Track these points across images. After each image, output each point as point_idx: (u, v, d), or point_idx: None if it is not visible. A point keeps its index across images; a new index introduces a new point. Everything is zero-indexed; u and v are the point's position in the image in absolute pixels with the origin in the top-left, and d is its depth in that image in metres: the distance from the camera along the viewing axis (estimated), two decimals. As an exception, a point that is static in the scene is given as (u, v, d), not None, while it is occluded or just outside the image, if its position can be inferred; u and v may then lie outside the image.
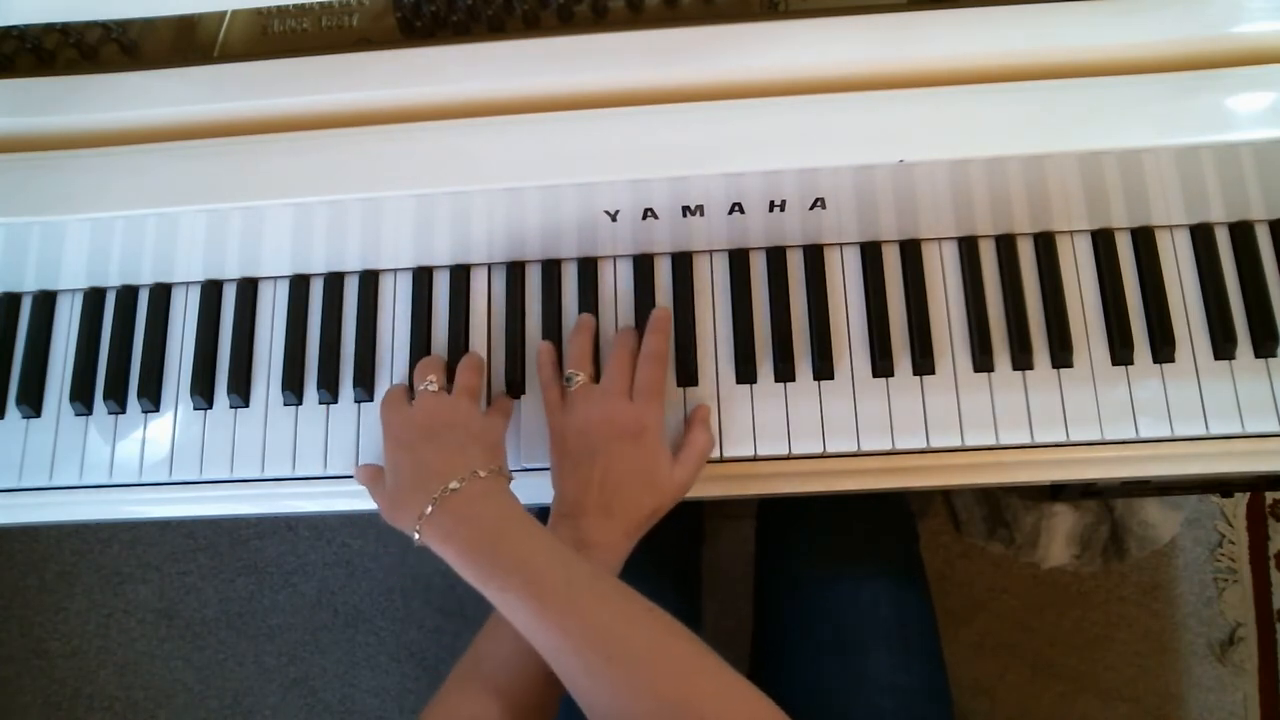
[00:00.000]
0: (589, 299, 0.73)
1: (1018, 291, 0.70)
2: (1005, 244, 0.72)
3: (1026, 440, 0.68)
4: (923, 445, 0.69)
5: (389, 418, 0.68)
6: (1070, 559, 1.32)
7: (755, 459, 0.70)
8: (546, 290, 0.74)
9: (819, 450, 0.69)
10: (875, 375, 0.70)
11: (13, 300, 0.78)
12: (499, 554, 0.58)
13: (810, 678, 0.77)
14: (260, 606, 1.46)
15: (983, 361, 0.69)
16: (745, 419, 0.70)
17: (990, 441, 0.68)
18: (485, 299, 0.75)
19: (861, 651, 0.77)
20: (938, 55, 0.65)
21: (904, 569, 0.82)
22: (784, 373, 0.70)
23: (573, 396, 0.67)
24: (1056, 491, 1.20)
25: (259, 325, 0.76)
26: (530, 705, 0.60)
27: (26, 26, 0.72)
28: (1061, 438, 0.68)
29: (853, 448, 0.69)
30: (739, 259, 0.73)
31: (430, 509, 0.60)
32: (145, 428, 0.75)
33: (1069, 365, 0.69)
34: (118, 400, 0.75)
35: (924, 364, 0.69)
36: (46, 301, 0.78)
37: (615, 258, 0.74)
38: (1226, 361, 0.69)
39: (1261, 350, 0.68)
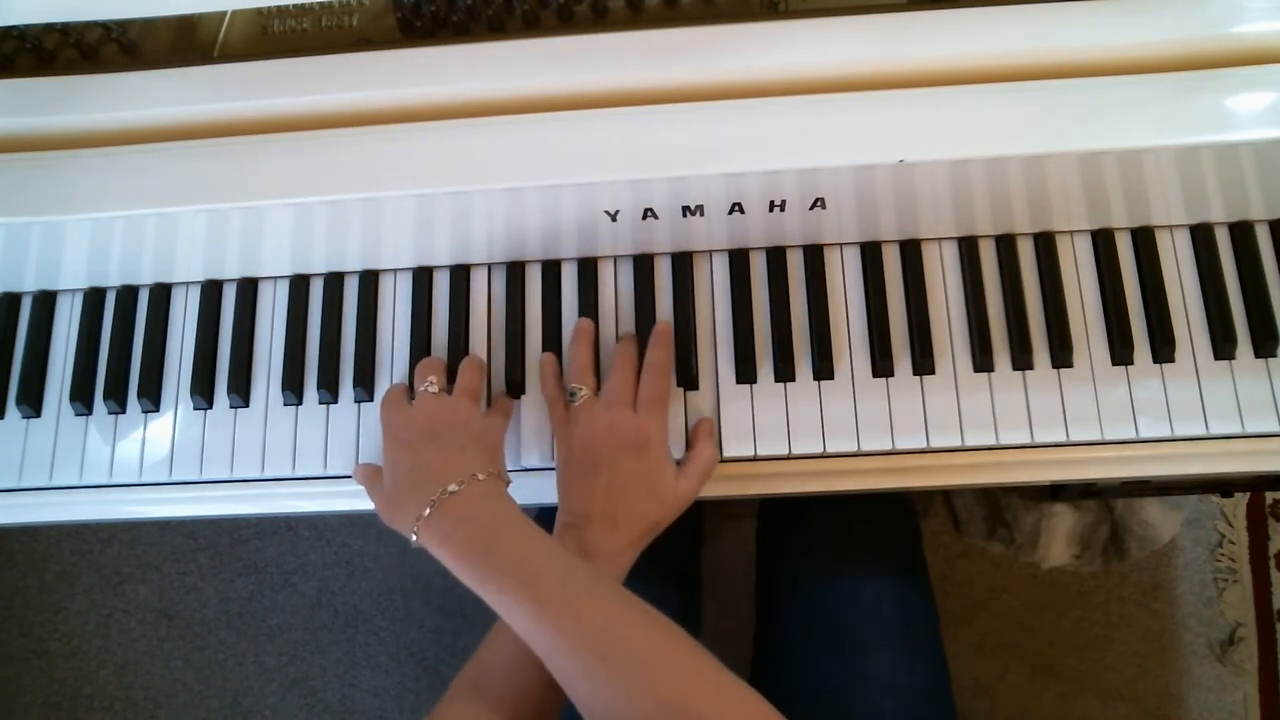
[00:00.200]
0: (589, 299, 0.73)
1: (1018, 291, 0.70)
2: (1005, 244, 0.72)
3: (1026, 440, 0.68)
4: (923, 445, 0.69)
5: (389, 417, 0.68)
6: (1070, 559, 1.32)
7: (755, 459, 0.70)
8: (546, 290, 0.74)
9: (819, 450, 0.69)
10: (875, 375, 0.70)
11: (13, 300, 0.78)
12: (496, 556, 0.58)
13: (811, 678, 0.77)
14: (260, 606, 1.46)
15: (983, 361, 0.69)
16: (745, 419, 0.70)
17: (990, 441, 0.68)
18: (485, 299, 0.75)
19: (862, 651, 0.77)
20: (938, 55, 0.65)
21: (906, 568, 0.82)
22: (784, 373, 0.70)
23: (577, 410, 0.68)
24: (1056, 491, 1.20)
25: (259, 325, 0.76)
26: (531, 714, 0.60)
27: (26, 26, 0.72)
28: (1061, 438, 0.68)
29: (853, 448, 0.69)
30: (739, 259, 0.73)
31: (428, 511, 0.60)
32: (145, 428, 0.75)
33: (1069, 365, 0.69)
34: (118, 400, 0.75)
35: (924, 364, 0.69)
36: (46, 301, 0.78)
37: (615, 258, 0.74)
38: (1226, 361, 0.69)
39: (1261, 350, 0.68)
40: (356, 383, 0.74)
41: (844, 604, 0.79)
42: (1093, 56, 0.64)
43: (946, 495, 1.38)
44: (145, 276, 0.77)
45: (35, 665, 1.48)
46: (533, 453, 0.71)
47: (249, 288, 0.76)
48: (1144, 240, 0.71)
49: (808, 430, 0.70)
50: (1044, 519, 1.31)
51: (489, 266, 0.75)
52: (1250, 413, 0.67)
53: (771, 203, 0.68)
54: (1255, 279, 0.70)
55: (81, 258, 0.74)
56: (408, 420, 0.67)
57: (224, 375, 0.75)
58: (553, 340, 0.73)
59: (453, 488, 0.61)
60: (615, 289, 0.74)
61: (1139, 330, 0.69)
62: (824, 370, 0.70)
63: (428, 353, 0.74)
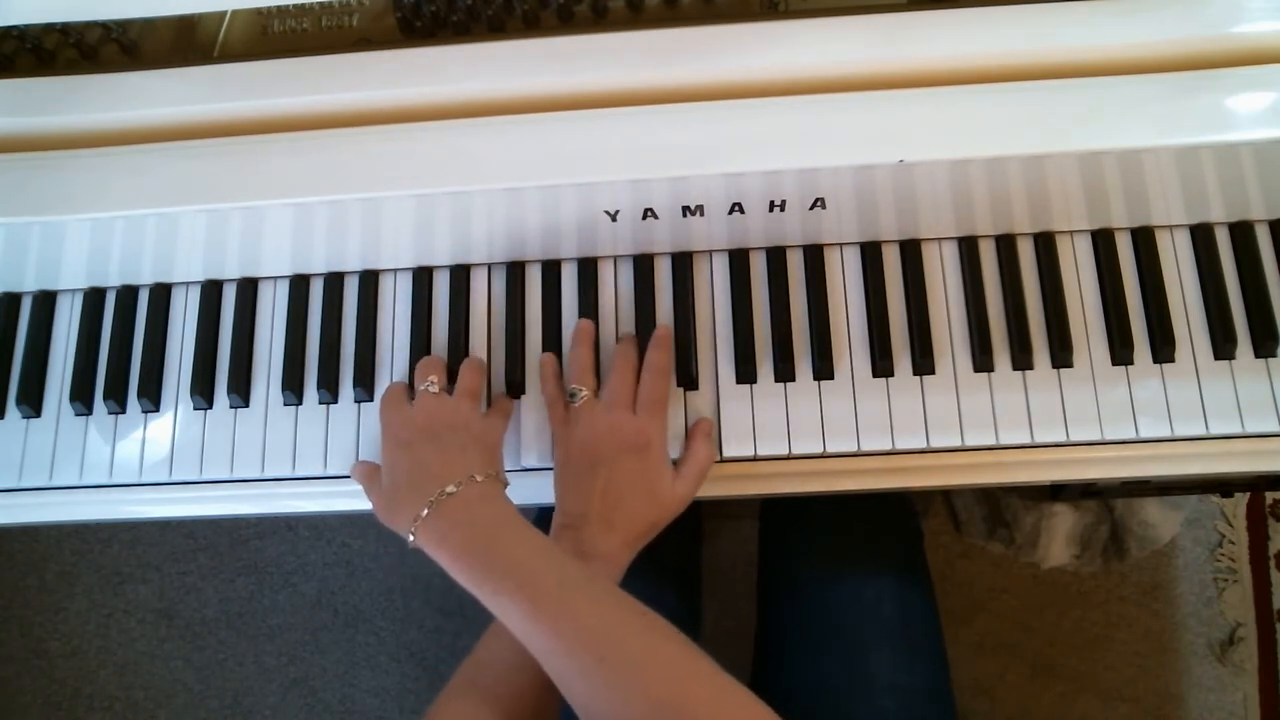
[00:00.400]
0: (589, 299, 0.73)
1: (1018, 291, 0.70)
2: (1005, 244, 0.72)
3: (1026, 440, 0.68)
4: (923, 445, 0.69)
5: (389, 417, 0.68)
6: (1070, 559, 1.32)
7: (755, 459, 0.70)
8: (546, 290, 0.74)
9: (819, 450, 0.69)
10: (875, 375, 0.70)
11: (13, 300, 0.78)
12: (493, 557, 0.58)
13: (812, 678, 0.77)
14: (260, 606, 1.46)
15: (983, 361, 0.69)
16: (745, 419, 0.70)
17: (990, 441, 0.68)
18: (485, 299, 0.75)
19: (863, 651, 0.77)
20: (938, 55, 0.65)
21: (906, 568, 0.82)
22: (784, 373, 0.70)
23: (577, 411, 0.68)
24: (1056, 491, 1.20)
25: (259, 325, 0.76)
26: (528, 714, 0.60)
27: (26, 26, 0.72)
28: (1061, 438, 0.68)
29: (853, 448, 0.69)
30: (739, 259, 0.73)
31: (426, 512, 0.60)
32: (145, 428, 0.75)
33: (1069, 365, 0.69)
34: (118, 400, 0.75)
35: (924, 364, 0.69)
36: (46, 301, 0.78)
37: (615, 258, 0.74)
38: (1226, 361, 0.69)
39: (1261, 350, 0.68)
40: (356, 383, 0.74)
41: (844, 604, 0.79)
42: (1093, 56, 0.64)
43: (946, 495, 1.38)
44: (145, 276, 0.77)
45: (35, 665, 1.48)
46: (532, 453, 0.71)
47: (249, 288, 0.76)
48: (1144, 240, 0.71)
49: (808, 430, 0.70)
50: (1044, 519, 1.31)
51: (489, 266, 0.75)
52: (1250, 413, 0.67)
53: (771, 203, 0.68)
54: (1255, 279, 0.70)
55: (81, 258, 0.74)
56: (407, 420, 0.67)
57: (224, 375, 0.75)
58: (553, 340, 0.73)
59: (451, 489, 0.61)
60: (615, 289, 0.74)
61: (1139, 330, 0.69)
62: (824, 370, 0.70)
63: (428, 353, 0.74)
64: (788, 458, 0.70)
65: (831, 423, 0.70)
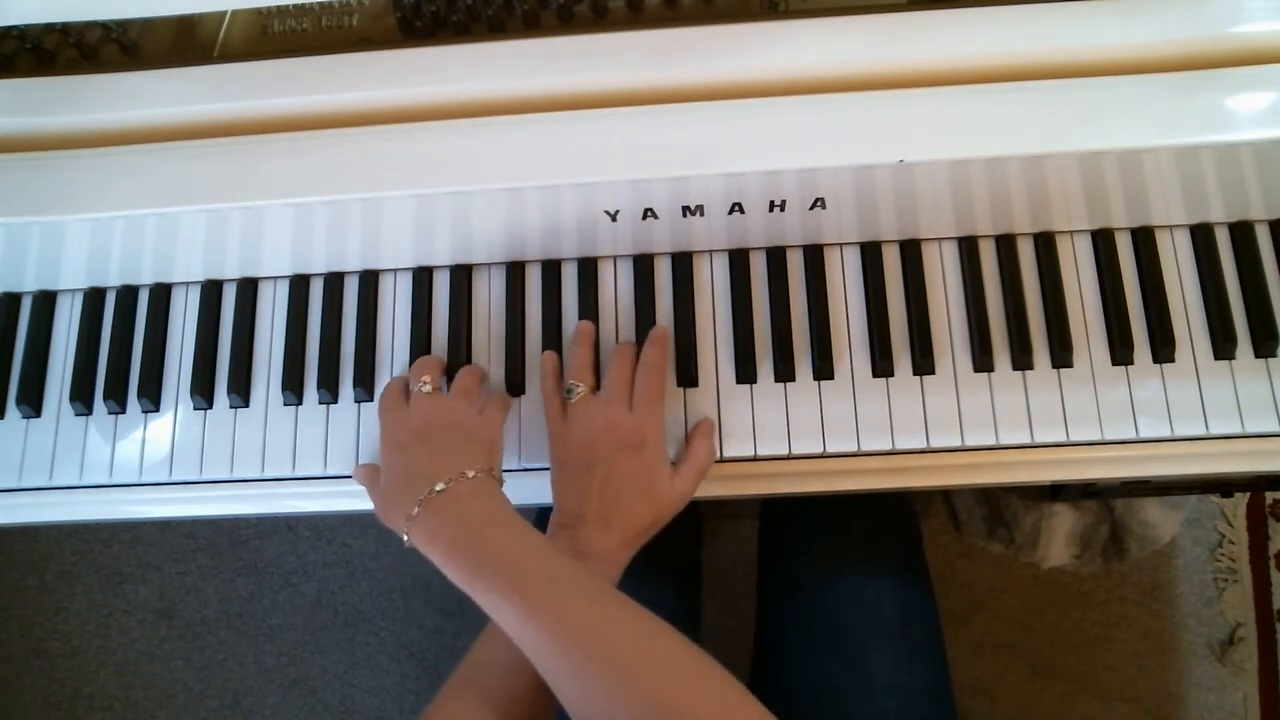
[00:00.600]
0: (589, 299, 0.73)
1: (1018, 291, 0.70)
2: (1005, 244, 0.72)
3: (1026, 440, 0.68)
4: (923, 445, 0.69)
5: (385, 418, 0.68)
6: (1070, 559, 1.32)
7: (755, 459, 0.70)
8: (546, 290, 0.74)
9: (819, 450, 0.69)
10: (875, 375, 0.70)
11: (13, 300, 0.78)
12: (483, 554, 0.58)
13: (812, 678, 0.77)
14: (260, 606, 1.46)
15: (983, 361, 0.69)
16: (745, 419, 0.70)
17: (990, 441, 0.68)
18: (485, 299, 0.75)
19: (863, 651, 0.77)
20: (938, 55, 0.65)
21: (906, 568, 0.82)
22: (784, 373, 0.70)
23: (573, 407, 0.67)
24: (1056, 491, 1.20)
25: (259, 325, 0.76)
26: (525, 715, 0.60)
27: (26, 26, 0.72)
28: (1061, 438, 0.68)
29: (853, 448, 0.69)
30: (739, 259, 0.73)
31: (417, 510, 0.60)
32: (145, 428, 0.75)
33: (1069, 365, 0.69)
34: (118, 400, 0.75)
35: (924, 364, 0.69)
36: (46, 301, 0.78)
37: (615, 258, 0.74)
38: (1226, 361, 0.69)
39: (1261, 350, 0.68)
40: (356, 383, 0.74)
41: (844, 604, 0.79)
42: (1093, 56, 0.64)
43: (946, 495, 1.38)
44: (145, 276, 0.77)
45: (35, 665, 1.48)
46: (531, 453, 0.71)
47: (249, 288, 0.76)
48: (1144, 240, 0.71)
49: (808, 430, 0.70)
50: (1044, 519, 1.31)
51: (489, 266, 0.75)
52: (1250, 413, 0.67)
53: (771, 203, 0.68)
54: (1255, 279, 0.70)
55: (81, 258, 0.74)
56: (401, 421, 0.67)
57: (224, 375, 0.75)
58: (553, 340, 0.73)
59: (440, 486, 0.61)
60: (615, 289, 0.74)
61: (1139, 330, 0.69)
62: (824, 370, 0.70)
63: (428, 353, 0.74)
64: (788, 458, 0.70)
65: (831, 423, 0.70)
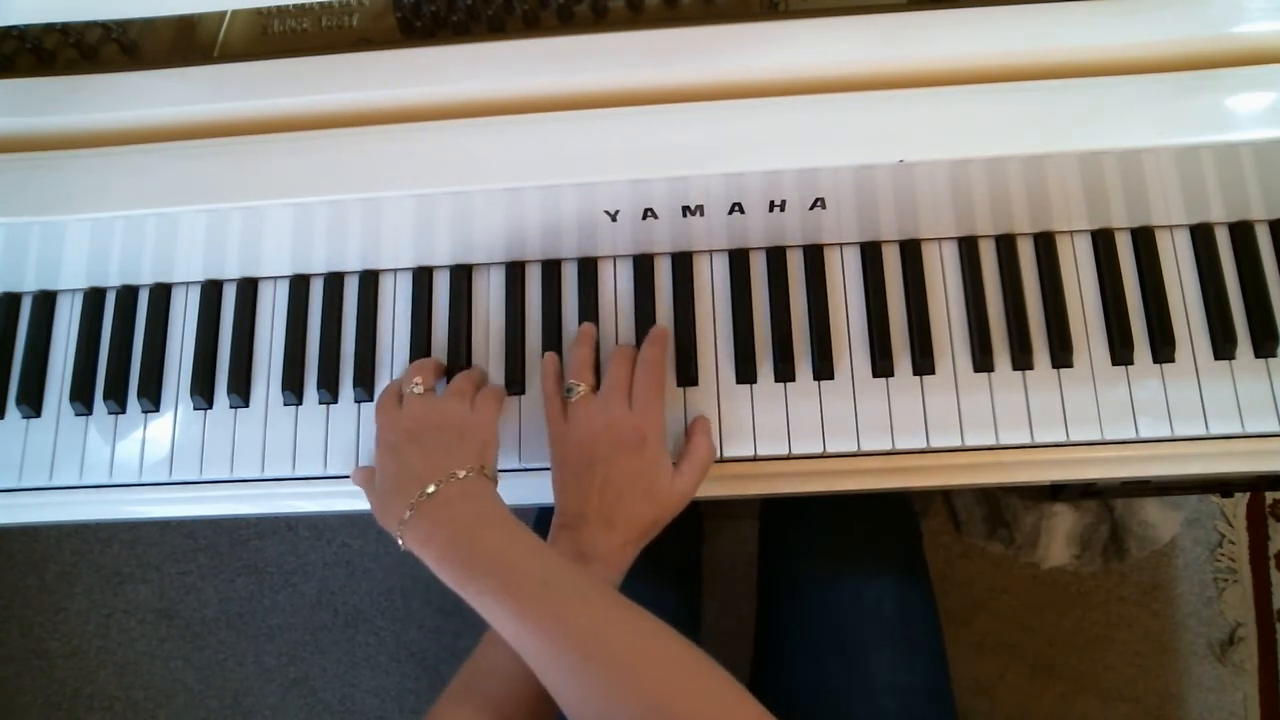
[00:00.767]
0: (589, 299, 0.73)
1: (1018, 291, 0.70)
2: (1005, 244, 0.72)
3: (1026, 440, 0.68)
4: (923, 445, 0.69)
5: (379, 421, 0.68)
6: (1070, 559, 1.32)
7: (755, 459, 0.70)
8: (546, 290, 0.74)
9: (819, 450, 0.69)
10: (875, 375, 0.70)
11: (13, 300, 0.78)
12: (475, 556, 0.57)
13: (812, 678, 0.77)
14: (260, 606, 1.46)
15: (983, 361, 0.69)
16: (745, 419, 0.70)
17: (990, 441, 0.68)
18: (485, 299, 0.75)
19: (863, 651, 0.77)
20: (938, 55, 0.65)
21: (906, 568, 0.82)
22: (784, 373, 0.70)
23: (573, 407, 0.67)
24: (1056, 491, 1.20)
25: (259, 325, 0.76)
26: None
27: (26, 26, 0.72)
28: (1061, 438, 0.68)
29: (853, 448, 0.69)
30: (739, 259, 0.73)
31: (409, 514, 0.60)
32: (145, 428, 0.75)
33: (1069, 365, 0.69)
34: (118, 400, 0.75)
35: (924, 364, 0.69)
36: (46, 301, 0.78)
37: (615, 258, 0.74)
38: (1226, 361, 0.69)
39: (1261, 350, 0.68)
40: (356, 383, 0.74)
41: (844, 604, 0.79)
42: (1093, 56, 0.64)
43: (946, 495, 1.38)
44: (145, 276, 0.77)
45: (35, 665, 1.48)
46: (531, 453, 0.71)
47: (249, 288, 0.76)
48: (1144, 240, 0.71)
49: (808, 430, 0.70)
50: (1044, 519, 1.31)
51: (489, 266, 0.75)
52: (1250, 413, 0.67)
53: (771, 203, 0.68)
54: (1255, 279, 0.70)
55: (81, 258, 0.74)
56: (394, 423, 0.66)
57: (224, 375, 0.75)
58: (553, 340, 0.73)
59: (430, 489, 0.60)
60: (615, 289, 0.74)
61: (1139, 330, 0.69)
62: (824, 370, 0.70)
63: (428, 353, 0.74)
64: (788, 458, 0.70)
65: (831, 423, 0.70)
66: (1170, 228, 0.71)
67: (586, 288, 0.74)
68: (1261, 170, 0.65)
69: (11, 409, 0.76)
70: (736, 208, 0.68)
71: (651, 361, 0.68)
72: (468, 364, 0.73)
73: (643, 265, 0.73)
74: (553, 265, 0.74)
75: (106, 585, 1.49)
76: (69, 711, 1.47)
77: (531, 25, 0.72)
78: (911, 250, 0.72)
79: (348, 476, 0.72)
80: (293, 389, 0.74)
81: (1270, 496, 1.37)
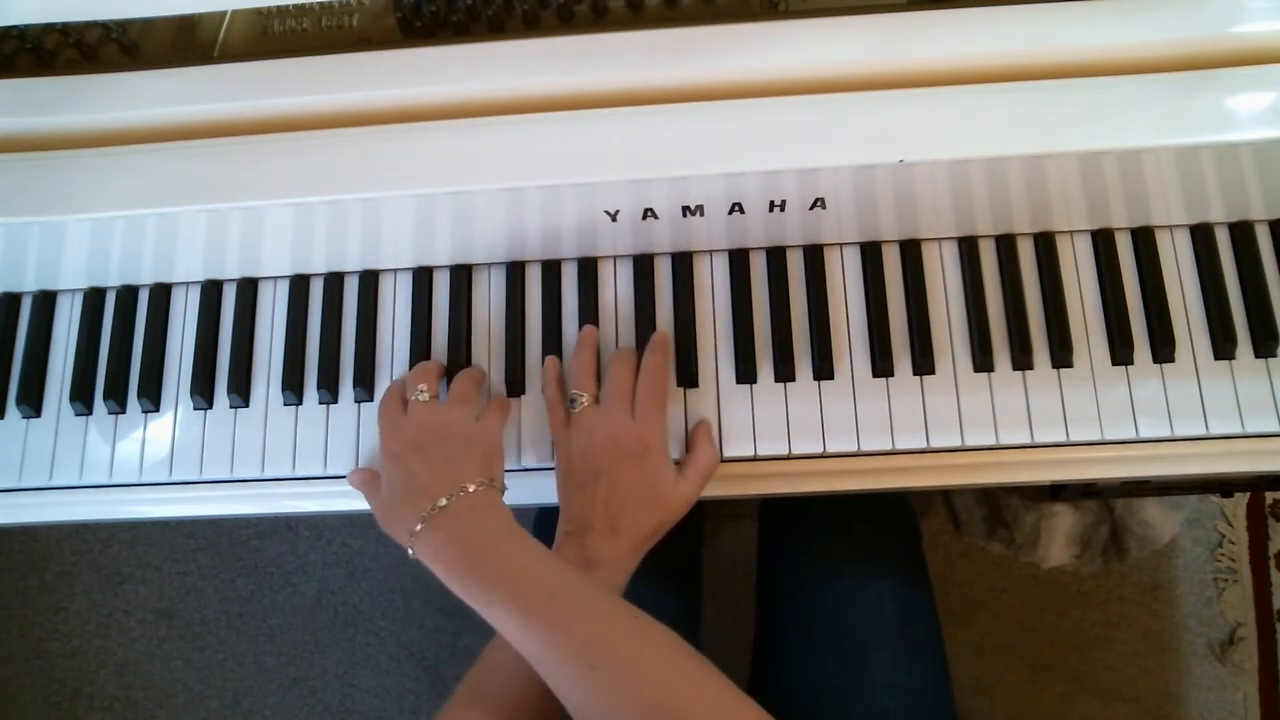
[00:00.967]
0: (589, 299, 0.73)
1: (1018, 291, 0.70)
2: (1005, 244, 0.72)
3: (1026, 440, 0.68)
4: (923, 445, 0.69)
5: (383, 426, 0.68)
6: (1070, 559, 1.32)
7: (755, 459, 0.70)
8: (546, 290, 0.74)
9: (819, 450, 0.69)
10: (875, 375, 0.70)
11: (13, 300, 0.78)
12: (485, 569, 0.58)
13: (812, 678, 0.77)
14: (260, 606, 1.46)
15: (983, 361, 0.69)
16: (745, 419, 0.70)
17: (990, 441, 0.68)
18: (485, 299, 0.75)
19: (863, 651, 0.77)
20: (938, 55, 0.65)
21: (906, 568, 0.82)
22: (784, 373, 0.70)
23: (577, 418, 0.68)
24: (1056, 491, 1.20)
25: (259, 325, 0.76)
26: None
27: (26, 26, 0.72)
28: (1061, 438, 0.68)
29: (853, 448, 0.69)
30: (739, 259, 0.73)
31: (420, 527, 0.60)
32: (145, 428, 0.75)
33: (1069, 365, 0.69)
34: (118, 400, 0.75)
35: (924, 364, 0.69)
36: (46, 301, 0.78)
37: (615, 258, 0.74)
38: (1226, 361, 0.69)
39: (1261, 350, 0.68)
40: (356, 383, 0.73)
41: (844, 604, 0.79)
42: (1093, 56, 0.64)
43: (946, 495, 1.38)
44: (145, 276, 0.77)
45: (35, 665, 1.48)
46: (532, 453, 0.71)
47: (249, 288, 0.76)
48: (1144, 240, 0.71)
49: (808, 430, 0.70)
50: (1044, 519, 1.31)
51: (489, 266, 0.75)
52: (1250, 413, 0.67)
53: (771, 203, 0.68)
54: (1255, 279, 0.70)
55: (81, 258, 0.74)
56: (398, 431, 0.66)
57: (224, 375, 0.75)
58: (553, 340, 0.73)
59: (442, 502, 0.61)
60: (615, 289, 0.74)
61: (1139, 330, 0.69)
62: (824, 370, 0.70)
63: (428, 353, 0.74)
64: (788, 458, 0.70)
65: (831, 423, 0.70)
66: (1170, 228, 0.71)
67: (586, 288, 0.74)
68: (1261, 170, 0.65)
69: (11, 409, 0.76)
70: (736, 208, 0.68)
71: (653, 369, 0.68)
72: (468, 364, 0.73)
73: (643, 265, 0.73)
74: (553, 265, 0.74)
75: (106, 585, 1.49)
76: (69, 711, 1.47)
77: (531, 25, 0.72)
78: (911, 250, 0.72)
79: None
80: (293, 389, 0.74)
81: (1270, 496, 1.37)
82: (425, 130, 0.66)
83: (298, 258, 0.75)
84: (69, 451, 0.75)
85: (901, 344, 0.70)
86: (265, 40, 0.74)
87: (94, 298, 0.77)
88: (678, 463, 0.68)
